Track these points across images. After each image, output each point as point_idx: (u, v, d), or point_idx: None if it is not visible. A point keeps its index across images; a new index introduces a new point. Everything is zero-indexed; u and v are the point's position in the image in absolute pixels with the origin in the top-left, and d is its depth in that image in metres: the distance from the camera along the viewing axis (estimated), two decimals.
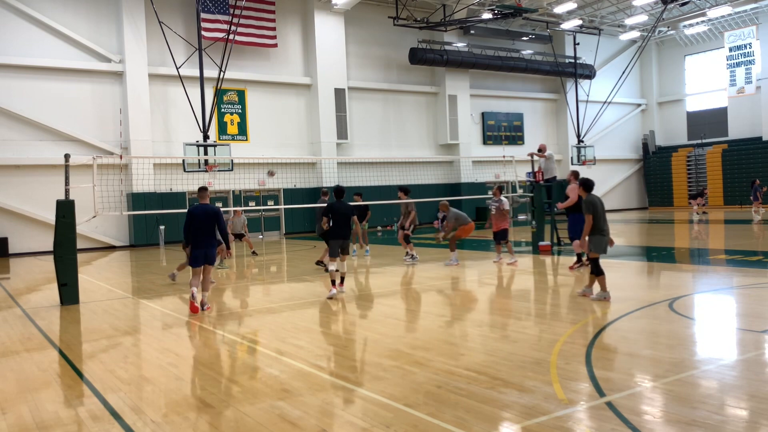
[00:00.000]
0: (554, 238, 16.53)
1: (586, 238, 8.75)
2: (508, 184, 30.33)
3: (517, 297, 9.93)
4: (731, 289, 9.58)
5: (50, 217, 17.17)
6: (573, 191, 12.20)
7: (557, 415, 4.37)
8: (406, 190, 14.86)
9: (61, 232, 10.40)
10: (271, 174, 16.92)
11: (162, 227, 23.71)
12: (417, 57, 29.74)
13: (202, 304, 9.25)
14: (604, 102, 34.17)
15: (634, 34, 35.84)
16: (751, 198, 25.70)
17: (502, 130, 34.38)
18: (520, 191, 18.31)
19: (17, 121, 22.14)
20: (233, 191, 25.79)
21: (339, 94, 28.12)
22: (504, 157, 19.80)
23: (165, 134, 24.75)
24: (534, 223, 16.19)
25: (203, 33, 23.83)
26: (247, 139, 26.58)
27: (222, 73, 23.10)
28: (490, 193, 29.57)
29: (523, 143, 34.39)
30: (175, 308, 9.86)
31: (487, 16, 28.68)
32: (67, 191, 10.97)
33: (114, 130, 23.58)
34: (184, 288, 11.87)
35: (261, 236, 26.50)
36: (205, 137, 22.76)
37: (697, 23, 34.98)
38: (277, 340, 7.16)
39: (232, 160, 22.66)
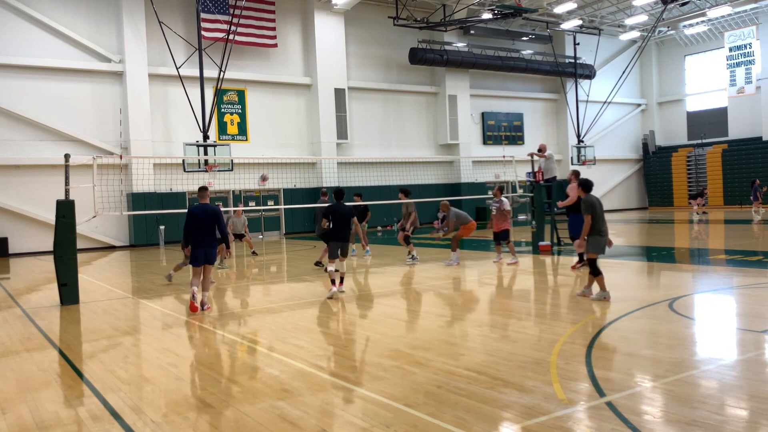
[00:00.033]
0: (554, 238, 16.54)
1: (585, 238, 8.77)
2: (508, 184, 30.35)
3: (517, 297, 9.93)
4: (731, 289, 9.58)
5: (50, 217, 17.18)
6: (573, 190, 12.19)
7: (557, 415, 4.37)
8: (407, 191, 14.87)
9: (61, 232, 10.40)
10: (264, 179, 16.93)
11: (162, 227, 23.71)
12: (417, 57, 29.74)
13: (202, 304, 9.26)
14: (604, 102, 34.17)
15: (634, 34, 35.84)
16: (751, 198, 25.70)
17: (502, 130, 34.38)
18: (520, 191, 18.31)
19: (17, 121, 22.14)
20: (233, 191, 25.79)
21: (339, 94, 28.12)
22: (504, 157, 19.81)
23: (165, 134, 24.76)
24: (534, 223, 16.20)
25: (203, 33, 23.83)
26: (247, 139, 26.58)
27: (222, 73, 23.10)
28: (490, 193, 29.74)
29: (523, 143, 34.39)
30: (175, 308, 9.87)
31: (487, 16, 28.68)
32: (67, 191, 10.97)
33: (114, 130, 23.58)
34: (183, 288, 11.87)
35: (261, 236, 26.50)
36: (205, 137, 22.76)
37: (697, 23, 34.98)
38: (277, 340, 7.16)
39: (232, 160, 22.66)
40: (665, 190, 38.05)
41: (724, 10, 31.23)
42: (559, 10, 30.42)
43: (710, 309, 8.42)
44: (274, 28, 26.67)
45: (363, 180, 27.44)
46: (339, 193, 10.52)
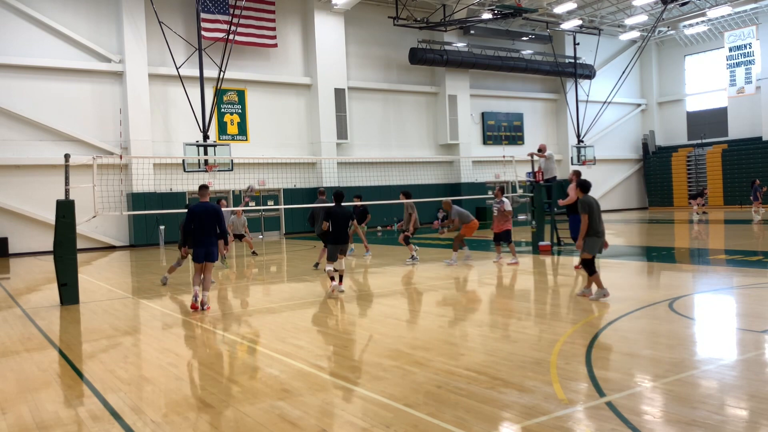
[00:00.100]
0: (554, 238, 16.54)
1: (583, 238, 8.83)
2: (508, 184, 30.34)
3: (517, 297, 9.94)
4: (731, 289, 9.58)
5: (50, 217, 17.17)
6: (573, 190, 12.20)
7: (557, 415, 4.37)
8: (408, 193, 14.98)
9: (61, 232, 10.40)
10: (251, 191, 16.94)
11: (162, 227, 23.72)
12: (417, 57, 29.74)
13: (202, 304, 9.28)
14: (604, 102, 34.17)
15: (634, 34, 35.84)
16: (751, 198, 25.70)
17: (502, 130, 34.38)
18: (520, 191, 18.31)
19: (17, 121, 22.14)
20: (233, 191, 25.79)
21: (339, 94, 28.12)
22: (504, 157, 19.81)
23: (165, 134, 24.76)
24: (534, 223, 16.20)
25: (203, 33, 23.83)
26: (247, 139, 26.58)
27: (222, 73, 23.10)
28: (490, 193, 29.73)
29: (523, 143, 34.40)
30: (175, 308, 9.87)
31: (487, 16, 28.68)
32: (67, 191, 10.97)
33: (114, 130, 23.58)
34: (182, 288, 11.88)
35: (261, 236, 26.50)
36: (205, 137, 22.76)
37: (697, 23, 34.98)
38: (277, 340, 7.16)
39: (232, 160, 22.67)
40: (665, 190, 38.05)
41: (724, 10, 31.23)
42: (559, 10, 30.42)
43: (710, 309, 8.42)
44: (274, 28, 26.67)
45: (363, 180, 27.44)
46: (339, 195, 10.58)
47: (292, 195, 26.98)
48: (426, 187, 29.07)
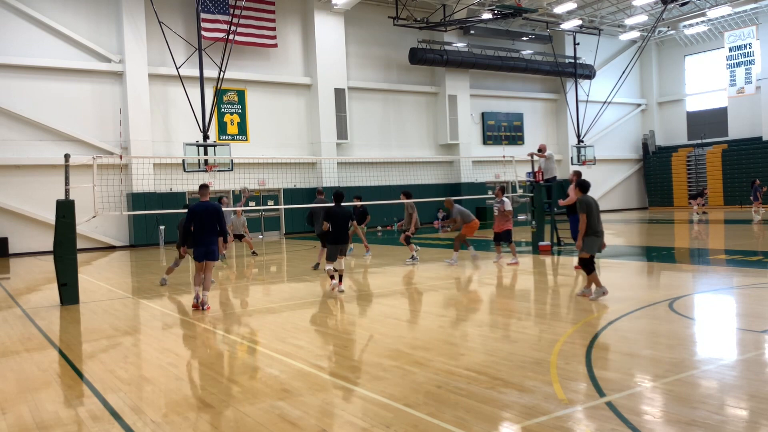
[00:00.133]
0: (554, 238, 16.54)
1: (582, 237, 8.87)
2: (508, 184, 30.33)
3: (517, 297, 9.94)
4: (731, 289, 9.58)
5: (50, 217, 17.18)
6: (574, 191, 12.22)
7: (557, 415, 4.37)
8: (408, 193, 15.06)
9: (61, 232, 10.40)
10: (244, 192, 17.04)
11: (162, 227, 23.71)
12: (417, 57, 29.74)
13: (202, 303, 9.30)
14: (604, 102, 34.17)
15: (634, 34, 35.84)
16: (751, 198, 25.69)
17: (502, 130, 34.38)
18: (520, 191, 18.31)
19: (17, 121, 22.14)
20: (233, 191, 25.79)
21: (339, 94, 28.12)
22: (504, 157, 19.81)
23: (165, 134, 24.76)
24: (534, 223, 16.20)
25: (203, 33, 23.83)
26: (247, 139, 26.58)
27: (222, 73, 23.10)
28: (490, 193, 29.74)
29: (523, 143, 34.40)
30: (175, 308, 9.87)
31: (487, 16, 28.68)
32: (67, 191, 10.97)
33: (114, 130, 23.58)
34: (181, 288, 11.89)
35: (261, 236, 26.50)
36: (205, 137, 22.76)
37: (697, 23, 34.98)
38: (277, 340, 7.16)
39: (232, 160, 22.67)
40: (665, 190, 38.05)
41: (724, 10, 31.23)
42: (559, 10, 30.42)
43: (710, 309, 8.42)
44: (274, 28, 26.67)
45: (363, 180, 27.44)
46: (338, 195, 10.60)
47: (292, 195, 26.98)
48: (426, 187, 29.06)
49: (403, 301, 9.78)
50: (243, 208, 16.53)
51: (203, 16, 24.09)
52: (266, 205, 26.96)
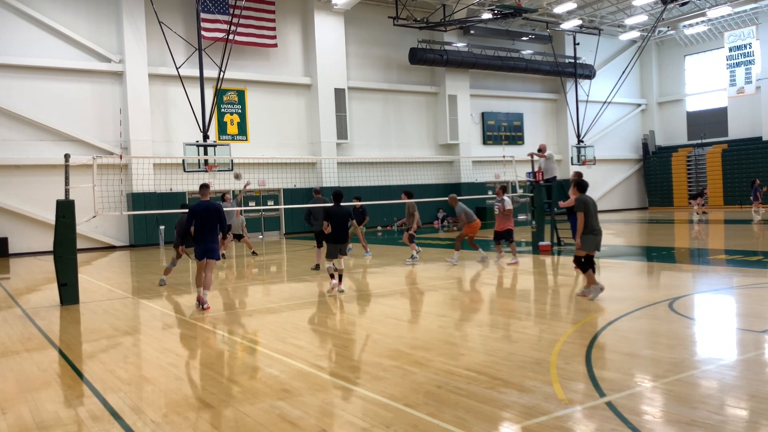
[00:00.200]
0: (554, 238, 16.54)
1: (580, 236, 8.94)
2: (508, 184, 30.33)
3: (518, 297, 9.94)
4: (731, 289, 9.58)
5: (50, 217, 17.17)
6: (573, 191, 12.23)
7: (557, 415, 4.37)
8: (410, 192, 15.12)
9: (61, 232, 10.40)
10: (237, 177, 17.11)
11: (162, 227, 23.71)
12: (417, 57, 29.74)
13: (202, 303, 9.31)
14: (604, 102, 34.17)
15: (634, 34, 35.83)
16: (751, 198, 25.69)
17: (502, 130, 34.38)
18: (520, 191, 18.31)
19: (17, 121, 22.14)
20: (233, 191, 25.79)
21: (339, 94, 28.12)
22: (504, 157, 19.81)
23: (165, 134, 24.76)
24: (534, 223, 16.20)
25: (203, 33, 23.83)
26: (247, 139, 26.58)
27: (222, 73, 23.10)
28: (490, 193, 29.74)
29: (523, 143, 34.39)
30: (175, 308, 9.88)
31: (487, 16, 28.68)
32: (67, 191, 10.97)
33: (114, 130, 23.58)
34: (181, 288, 11.89)
35: (261, 236, 26.50)
36: (205, 137, 22.76)
37: (697, 23, 34.98)
38: (277, 340, 7.16)
39: (232, 160, 22.67)
40: (665, 190, 38.05)
41: (724, 10, 31.23)
42: (559, 10, 30.42)
43: (710, 309, 8.42)
44: (274, 28, 26.67)
45: (363, 180, 27.44)
46: (338, 195, 10.62)
47: (292, 195, 26.98)
48: (426, 187, 29.04)
49: (403, 301, 9.78)
50: (243, 208, 16.53)
51: (203, 16, 24.09)
52: (266, 205, 26.96)
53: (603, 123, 36.42)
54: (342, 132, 28.10)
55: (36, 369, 6.36)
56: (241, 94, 26.53)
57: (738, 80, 33.73)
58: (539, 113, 36.20)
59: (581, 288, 9.40)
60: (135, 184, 23.15)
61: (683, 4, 29.89)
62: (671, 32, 36.75)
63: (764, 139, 33.80)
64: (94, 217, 12.03)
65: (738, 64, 33.59)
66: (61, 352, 7.11)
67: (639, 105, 39.81)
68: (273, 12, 26.63)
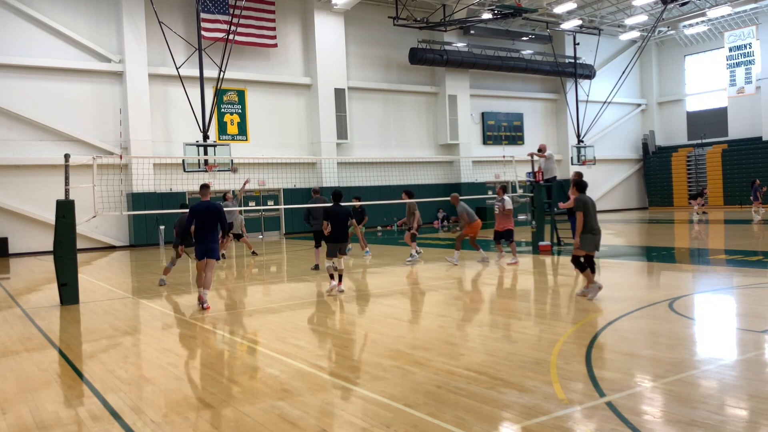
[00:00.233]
0: (554, 238, 16.54)
1: (579, 235, 8.96)
2: (508, 184, 30.33)
3: (518, 297, 9.94)
4: (731, 289, 9.58)
5: (50, 217, 17.17)
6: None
7: (557, 415, 4.37)
8: (410, 192, 15.15)
9: (61, 232, 10.40)
10: (234, 170, 17.15)
11: (162, 227, 23.71)
12: (417, 57, 29.73)
13: (202, 302, 9.32)
14: (604, 102, 34.17)
15: (634, 34, 35.83)
16: (751, 198, 25.69)
17: (502, 130, 34.38)
18: (520, 191, 18.31)
19: (17, 121, 22.14)
20: (233, 191, 25.77)
21: (339, 94, 28.12)
22: (504, 157, 19.80)
23: (165, 134, 24.75)
24: (534, 223, 16.20)
25: (203, 33, 23.83)
26: (247, 139, 26.58)
27: (222, 73, 23.10)
28: (490, 193, 29.74)
29: (523, 143, 34.39)
30: (175, 308, 9.88)
31: (487, 16, 28.67)
32: (67, 191, 10.97)
33: (114, 130, 23.58)
34: (181, 288, 11.89)
35: (261, 236, 26.50)
36: (205, 137, 22.76)
37: (697, 23, 34.98)
38: (277, 340, 7.16)
39: (232, 160, 22.67)
40: (665, 190, 38.05)
41: (724, 10, 31.23)
42: (559, 10, 30.42)
43: (710, 309, 8.42)
44: (274, 28, 26.67)
45: (363, 180, 27.44)
46: (337, 195, 10.63)
47: (292, 195, 26.98)
48: (426, 187, 29.04)
49: (403, 301, 9.78)
50: (243, 208, 16.54)
51: (203, 16, 24.09)
52: (266, 205, 26.96)
53: (603, 123, 36.42)
54: (342, 132, 28.10)
55: (36, 369, 6.36)
56: (241, 94, 26.53)
57: (738, 80, 33.73)
58: (539, 113, 36.20)
59: (581, 288, 9.40)
60: (135, 184, 23.15)
61: (683, 4, 29.89)
62: (671, 32, 36.75)
63: (764, 139, 33.80)
64: (94, 217, 12.03)
65: (738, 64, 33.59)
66: (61, 352, 7.11)
67: (639, 105, 39.81)
68: (273, 12, 26.63)
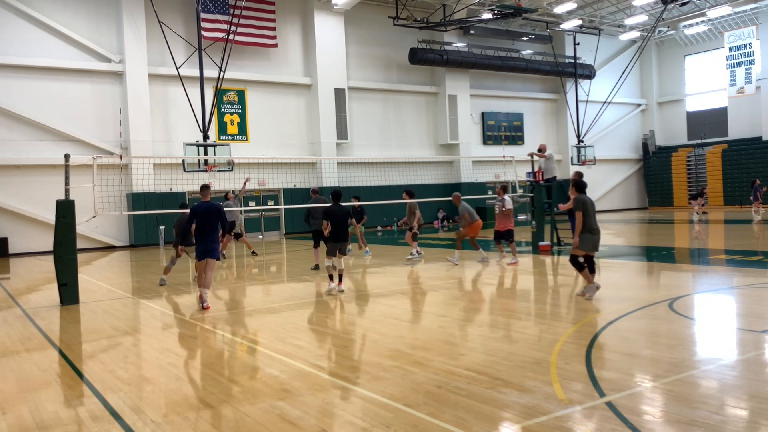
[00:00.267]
0: (554, 238, 16.54)
1: (578, 235, 8.97)
2: (508, 184, 30.32)
3: (518, 297, 9.94)
4: (731, 289, 9.58)
5: (50, 217, 17.17)
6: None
7: (557, 415, 4.37)
8: (411, 192, 15.23)
9: (61, 232, 10.40)
10: (230, 165, 17.19)
11: (162, 227, 23.71)
12: (417, 57, 29.73)
13: (202, 302, 9.33)
14: (604, 102, 34.17)
15: (634, 34, 35.83)
16: (751, 198, 25.69)
17: (502, 130, 34.38)
18: (520, 191, 18.31)
19: (17, 121, 22.14)
20: (234, 191, 25.75)
21: (339, 94, 28.12)
22: (504, 157, 19.81)
23: (165, 134, 24.75)
24: (534, 223, 16.20)
25: (203, 33, 23.82)
26: (247, 139, 26.58)
27: (222, 73, 23.09)
28: (490, 193, 29.74)
29: (523, 143, 34.39)
30: (175, 308, 9.88)
31: (487, 16, 28.67)
32: (67, 191, 10.97)
33: (114, 130, 23.58)
34: (181, 288, 11.89)
35: (261, 236, 26.50)
36: (205, 137, 22.76)
37: (697, 23, 34.98)
38: (277, 340, 7.16)
39: (232, 160, 22.67)
40: (665, 190, 38.05)
41: (724, 10, 31.23)
42: (559, 10, 30.42)
43: (710, 309, 8.42)
44: (274, 28, 26.67)
45: (363, 180, 27.43)
46: (337, 194, 10.64)
47: (292, 195, 26.97)
48: (426, 187, 29.04)
49: (403, 301, 9.77)
50: (243, 208, 16.55)
51: (203, 16, 24.08)
52: (266, 205, 26.96)
53: (603, 123, 36.42)
54: (342, 132, 28.10)
55: (36, 369, 6.36)
56: (241, 94, 26.53)
57: (738, 80, 33.73)
58: (539, 113, 36.20)
59: (581, 288, 9.40)
60: (135, 184, 23.15)
61: (683, 4, 29.88)
62: (671, 32, 36.75)
63: (764, 139, 33.80)
64: (94, 217, 12.03)
65: (738, 64, 33.58)
66: (61, 352, 7.11)
67: (639, 105, 39.80)
68: (273, 12, 26.63)
